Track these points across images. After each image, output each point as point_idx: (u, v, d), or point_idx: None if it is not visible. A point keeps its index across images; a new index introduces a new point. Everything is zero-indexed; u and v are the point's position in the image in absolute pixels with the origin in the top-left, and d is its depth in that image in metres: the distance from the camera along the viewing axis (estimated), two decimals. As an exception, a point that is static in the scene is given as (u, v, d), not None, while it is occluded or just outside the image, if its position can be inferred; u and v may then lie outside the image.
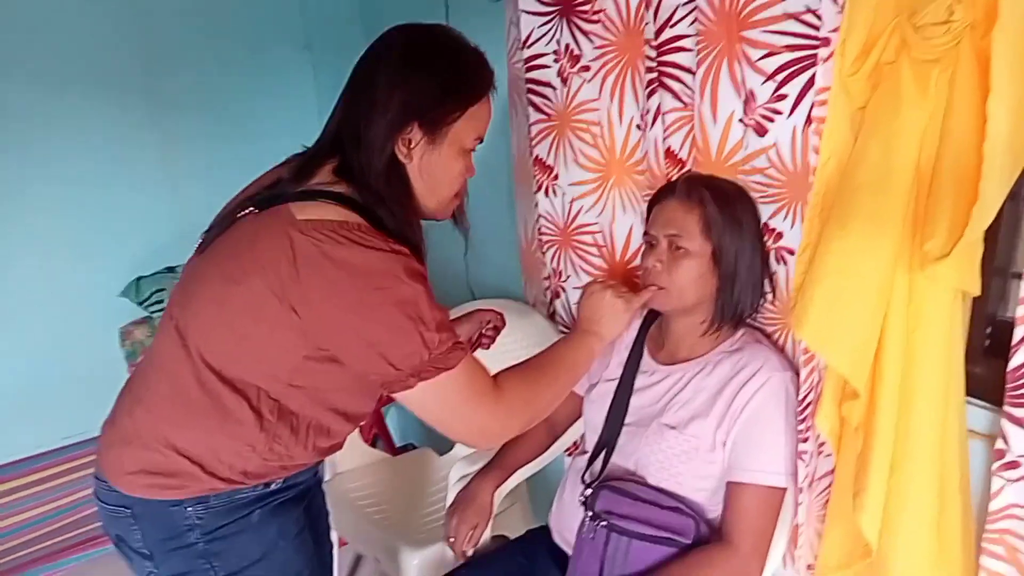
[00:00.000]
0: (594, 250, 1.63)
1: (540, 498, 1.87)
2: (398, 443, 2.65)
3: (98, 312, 2.28)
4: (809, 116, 1.14)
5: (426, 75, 1.00)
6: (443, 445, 2.26)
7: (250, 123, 2.53)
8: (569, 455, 1.71)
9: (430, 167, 1.03)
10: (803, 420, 1.18)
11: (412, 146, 1.01)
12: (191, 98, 2.43)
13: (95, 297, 2.29)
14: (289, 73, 2.58)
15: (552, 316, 1.80)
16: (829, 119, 1.04)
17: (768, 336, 1.34)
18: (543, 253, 1.72)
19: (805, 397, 1.18)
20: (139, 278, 2.25)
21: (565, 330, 1.76)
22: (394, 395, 1.00)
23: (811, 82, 1.13)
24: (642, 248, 1.33)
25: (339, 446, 1.17)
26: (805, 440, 1.18)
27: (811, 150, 1.13)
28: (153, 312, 2.13)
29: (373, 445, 2.31)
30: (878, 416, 1.06)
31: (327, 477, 1.95)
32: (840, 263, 1.01)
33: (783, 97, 1.18)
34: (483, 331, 1.45)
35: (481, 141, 1.08)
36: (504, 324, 1.49)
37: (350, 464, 1.99)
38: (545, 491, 1.65)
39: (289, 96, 2.59)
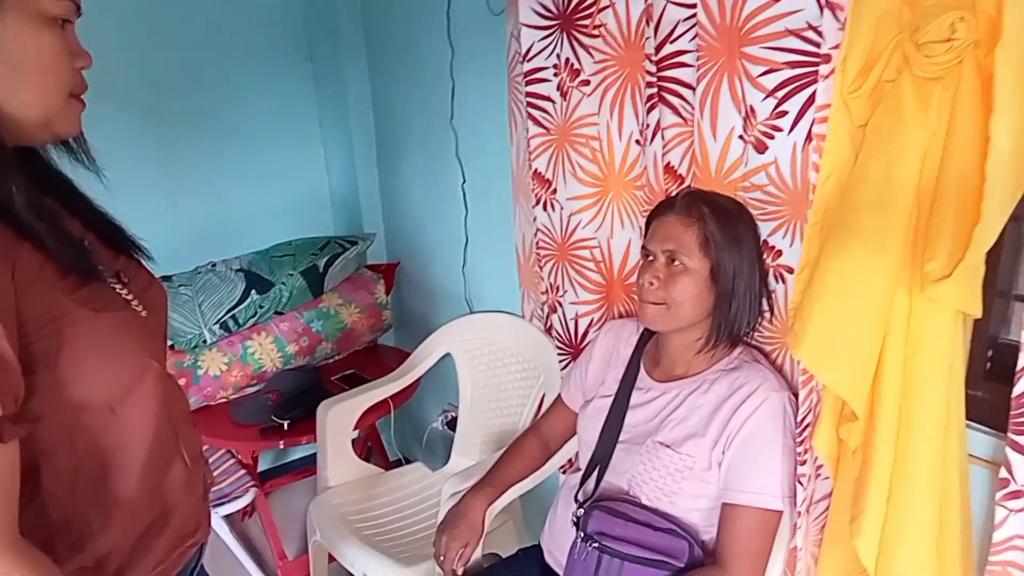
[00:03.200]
0: (592, 265, 1.61)
1: (533, 516, 1.85)
2: (393, 457, 2.62)
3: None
4: (809, 133, 1.13)
5: None
6: (436, 461, 2.24)
7: (251, 135, 2.53)
8: (563, 472, 1.69)
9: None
10: (801, 442, 1.16)
11: None
12: (193, 109, 2.43)
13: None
14: (291, 85, 2.57)
15: (549, 331, 1.78)
16: (829, 137, 1.03)
17: (766, 355, 1.32)
18: (540, 267, 1.70)
19: (803, 419, 1.15)
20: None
21: (560, 346, 1.74)
22: None
23: (812, 99, 1.11)
24: (639, 263, 1.32)
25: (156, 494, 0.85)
26: (803, 463, 1.16)
27: (811, 167, 1.12)
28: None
29: (367, 459, 2.28)
30: (877, 439, 1.04)
31: (317, 492, 1.93)
32: (839, 283, 0.99)
33: (783, 114, 1.17)
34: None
35: (78, 6, 0.77)
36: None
37: (340, 478, 1.96)
38: (538, 508, 1.62)
39: (290, 108, 2.59)
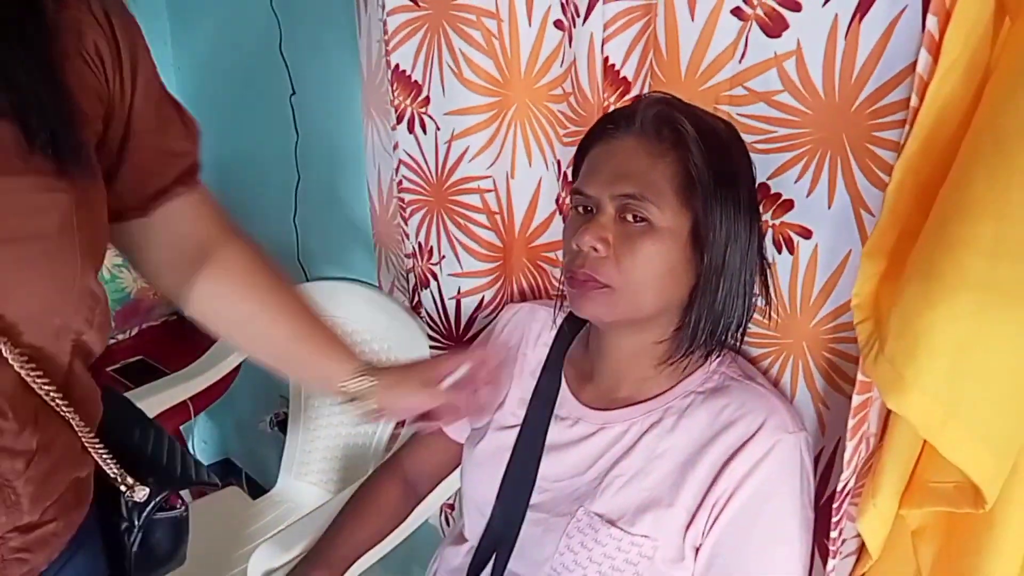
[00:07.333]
0: (483, 217, 1.09)
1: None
2: (210, 461, 2.07)
3: None
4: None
5: None
6: (268, 470, 1.66)
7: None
8: (445, 522, 1.19)
9: None
10: (838, 523, 0.71)
11: None
12: None
13: None
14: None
15: (417, 309, 1.26)
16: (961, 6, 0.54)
17: (753, 363, 0.87)
18: (405, 220, 1.16)
19: (845, 486, 0.70)
20: None
21: (435, 337, 1.21)
22: None
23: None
24: (568, 215, 0.81)
25: None
26: (833, 551, 0.71)
27: (860, 60, 0.67)
28: None
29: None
30: (998, 534, 0.59)
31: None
32: (988, 268, 0.51)
33: (820, -33, 0.70)
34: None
35: None
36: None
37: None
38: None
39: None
